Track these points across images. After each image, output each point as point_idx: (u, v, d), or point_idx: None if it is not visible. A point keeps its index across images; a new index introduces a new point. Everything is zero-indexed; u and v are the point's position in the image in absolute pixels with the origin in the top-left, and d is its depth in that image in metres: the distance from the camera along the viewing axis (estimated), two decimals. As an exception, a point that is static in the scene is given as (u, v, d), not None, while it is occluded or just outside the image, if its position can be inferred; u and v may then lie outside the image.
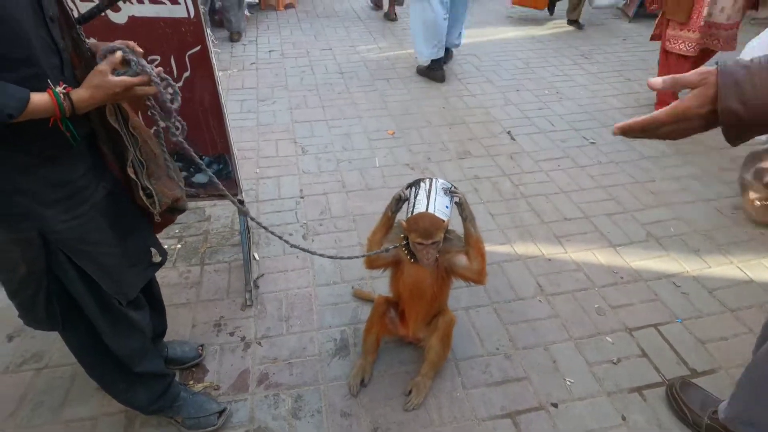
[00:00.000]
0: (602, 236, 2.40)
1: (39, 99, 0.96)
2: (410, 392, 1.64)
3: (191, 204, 2.54)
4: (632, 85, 3.96)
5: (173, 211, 1.43)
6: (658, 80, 0.84)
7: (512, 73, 4.18)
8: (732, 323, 1.94)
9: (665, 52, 3.30)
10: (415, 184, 1.56)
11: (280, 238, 1.47)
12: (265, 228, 1.47)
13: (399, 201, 1.58)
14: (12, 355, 1.77)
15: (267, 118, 3.46)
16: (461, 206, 1.53)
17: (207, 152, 1.86)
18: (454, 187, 1.56)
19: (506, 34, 5.07)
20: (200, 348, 1.77)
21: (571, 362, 1.79)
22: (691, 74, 0.80)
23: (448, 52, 4.17)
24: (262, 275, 2.14)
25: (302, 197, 2.66)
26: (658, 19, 3.37)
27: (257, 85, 3.96)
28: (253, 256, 2.21)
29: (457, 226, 1.57)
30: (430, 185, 1.53)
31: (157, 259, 1.46)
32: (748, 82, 0.74)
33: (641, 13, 5.32)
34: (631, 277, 2.17)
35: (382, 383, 1.70)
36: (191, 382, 1.70)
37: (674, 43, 3.18)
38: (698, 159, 2.99)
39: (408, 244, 1.49)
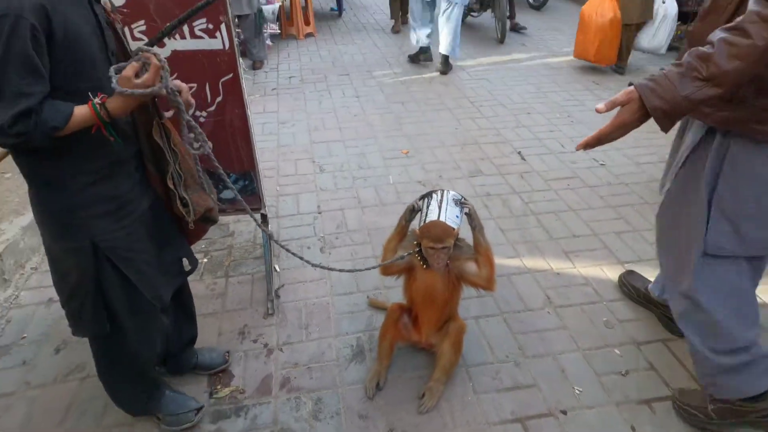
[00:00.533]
0: (611, 253, 2.47)
1: (80, 111, 1.11)
2: (423, 396, 1.72)
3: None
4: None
5: (206, 220, 1.55)
6: (601, 106, 1.22)
7: (524, 97, 4.32)
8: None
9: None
10: (428, 195, 1.69)
11: (302, 258, 1.59)
12: (284, 247, 1.60)
13: (413, 211, 1.69)
14: (59, 367, 1.90)
15: (287, 140, 3.63)
16: (471, 216, 1.65)
17: (234, 170, 2.01)
18: (464, 199, 1.68)
19: (519, 60, 5.24)
20: (227, 354, 1.88)
21: (580, 372, 1.86)
22: (620, 95, 1.23)
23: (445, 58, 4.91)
24: (283, 286, 2.26)
25: (320, 213, 2.79)
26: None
27: (278, 109, 4.15)
28: (275, 268, 2.34)
29: (467, 236, 1.67)
30: (442, 196, 1.65)
31: (187, 267, 1.61)
32: (658, 86, 1.16)
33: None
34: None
35: (397, 387, 1.79)
36: (219, 387, 1.80)
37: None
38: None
39: (421, 250, 1.60)
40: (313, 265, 1.64)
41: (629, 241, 2.55)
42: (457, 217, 1.62)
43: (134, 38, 1.63)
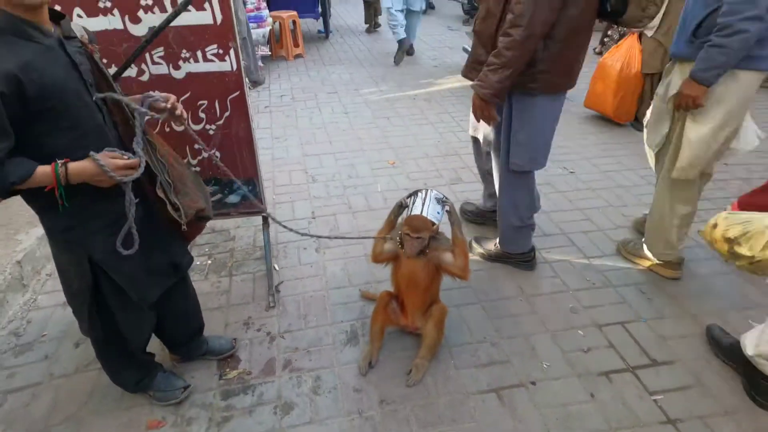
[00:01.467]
0: (578, 250, 2.74)
1: (42, 170, 1.22)
2: (410, 372, 1.95)
3: (218, 225, 2.92)
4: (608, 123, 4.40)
5: (200, 219, 1.69)
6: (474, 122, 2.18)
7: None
8: (691, 324, 2.22)
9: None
10: (414, 194, 1.96)
11: (300, 233, 1.88)
12: (289, 229, 1.89)
13: (400, 207, 1.95)
14: (79, 359, 2.09)
15: (280, 153, 3.88)
16: (450, 213, 1.92)
17: (239, 176, 2.24)
18: (445, 197, 1.94)
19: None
20: (234, 341, 2.10)
21: (548, 350, 2.10)
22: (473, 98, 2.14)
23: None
24: (282, 282, 2.49)
25: (314, 218, 3.03)
26: None
27: (271, 125, 4.41)
28: (274, 267, 2.56)
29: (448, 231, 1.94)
30: (426, 195, 1.91)
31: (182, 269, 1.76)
32: (482, 82, 2.02)
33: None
34: (602, 283, 2.49)
35: (387, 366, 2.02)
36: (227, 370, 2.01)
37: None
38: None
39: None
40: (312, 236, 2.05)
41: (595, 240, 2.82)
42: (438, 213, 1.88)
43: (154, 62, 1.88)
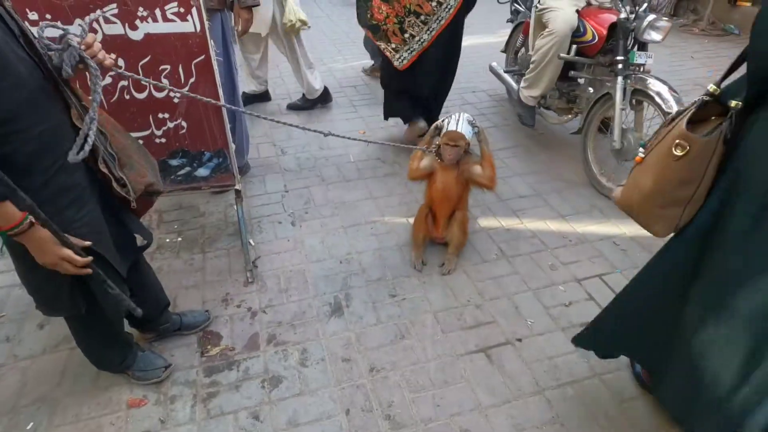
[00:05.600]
0: (552, 209, 2.78)
1: (11, 210, 1.11)
2: (443, 265, 2.33)
3: (186, 201, 2.79)
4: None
5: (150, 194, 1.57)
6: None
7: (467, 77, 4.59)
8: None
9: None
10: (448, 116, 2.27)
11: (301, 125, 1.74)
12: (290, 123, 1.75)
13: (436, 128, 2.26)
14: (46, 339, 1.97)
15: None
16: (479, 133, 2.24)
17: (209, 148, 2.13)
18: (475, 120, 2.26)
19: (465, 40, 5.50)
20: (207, 312, 2.05)
21: (531, 307, 2.13)
22: None
23: None
24: (259, 257, 2.41)
25: (287, 191, 2.94)
26: None
27: (233, 96, 4.21)
28: (249, 242, 2.48)
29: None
30: (459, 117, 2.24)
31: (142, 242, 1.67)
32: None
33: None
34: (578, 239, 2.54)
35: (375, 333, 2.00)
36: (209, 347, 1.94)
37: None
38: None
39: (439, 150, 2.19)
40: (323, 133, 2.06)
41: (568, 197, 2.86)
42: (469, 132, 2.20)
43: (107, 21, 1.72)
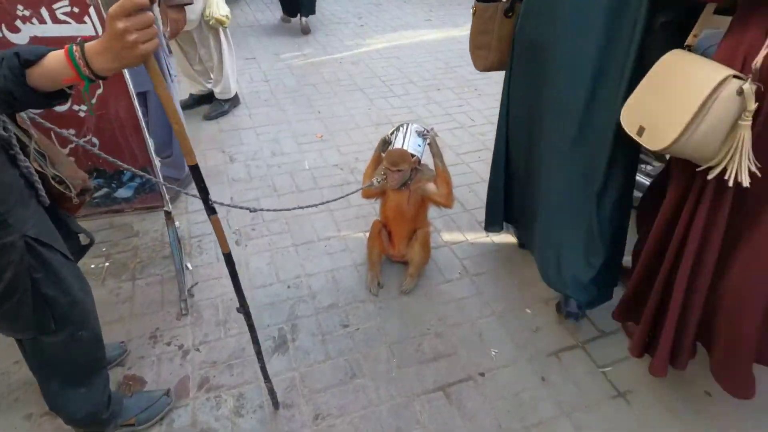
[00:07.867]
0: (520, 219, 2.60)
1: (54, 55, 0.93)
2: (403, 283, 2.14)
3: (118, 220, 2.51)
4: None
5: (84, 192, 1.43)
6: None
7: (434, 74, 4.39)
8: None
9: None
10: (397, 129, 2.05)
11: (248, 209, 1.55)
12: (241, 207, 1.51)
13: (384, 143, 2.04)
14: None
15: (190, 131, 3.42)
16: (431, 145, 2.00)
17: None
18: (426, 130, 2.02)
19: (427, 36, 5.29)
20: (122, 343, 1.83)
21: (495, 335, 1.95)
22: None
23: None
24: (196, 284, 2.16)
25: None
26: None
27: (178, 99, 3.89)
28: (186, 266, 2.22)
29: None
30: (407, 129, 2.01)
31: (85, 241, 1.51)
32: None
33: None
34: (546, 253, 2.37)
35: (322, 374, 1.78)
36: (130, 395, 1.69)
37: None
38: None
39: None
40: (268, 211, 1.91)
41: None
42: (419, 145, 1.97)
43: (57, 21, 1.44)
